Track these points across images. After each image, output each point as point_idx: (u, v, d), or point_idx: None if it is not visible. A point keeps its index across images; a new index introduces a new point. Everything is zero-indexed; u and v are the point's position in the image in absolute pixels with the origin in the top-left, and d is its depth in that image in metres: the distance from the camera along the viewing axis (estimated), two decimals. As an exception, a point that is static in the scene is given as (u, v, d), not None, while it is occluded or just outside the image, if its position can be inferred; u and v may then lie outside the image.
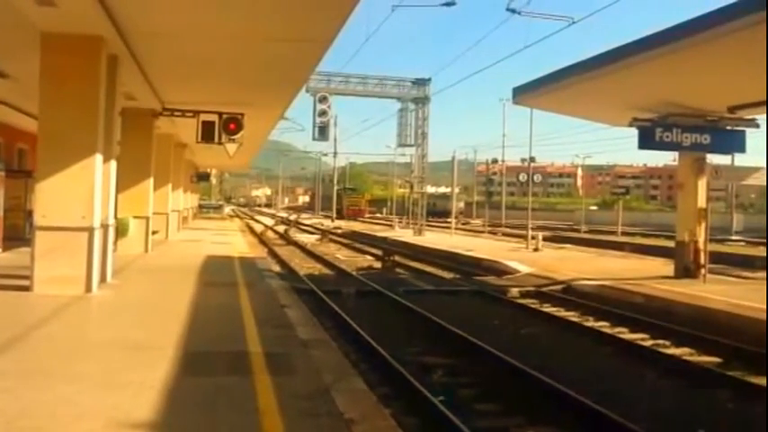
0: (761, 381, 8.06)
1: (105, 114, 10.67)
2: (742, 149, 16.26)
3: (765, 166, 17.25)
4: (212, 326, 8.51)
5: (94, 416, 4.75)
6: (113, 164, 11.96)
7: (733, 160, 28.59)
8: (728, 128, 15.75)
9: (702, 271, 15.79)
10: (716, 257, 18.39)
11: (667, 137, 15.33)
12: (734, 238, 37.66)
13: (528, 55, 22.27)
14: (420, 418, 6.56)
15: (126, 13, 9.49)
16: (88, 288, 10.16)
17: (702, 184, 16.19)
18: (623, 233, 39.75)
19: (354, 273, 19.55)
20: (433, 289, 16.22)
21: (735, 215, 48.12)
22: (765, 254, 16.59)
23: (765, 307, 11.32)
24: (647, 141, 15.53)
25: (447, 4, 21.30)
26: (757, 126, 15.89)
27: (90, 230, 10.16)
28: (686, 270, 16.10)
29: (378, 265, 23.16)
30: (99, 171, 10.41)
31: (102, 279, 11.19)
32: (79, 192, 10.11)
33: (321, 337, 8.16)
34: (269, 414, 4.94)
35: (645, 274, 17.15)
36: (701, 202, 16.22)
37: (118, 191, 14.00)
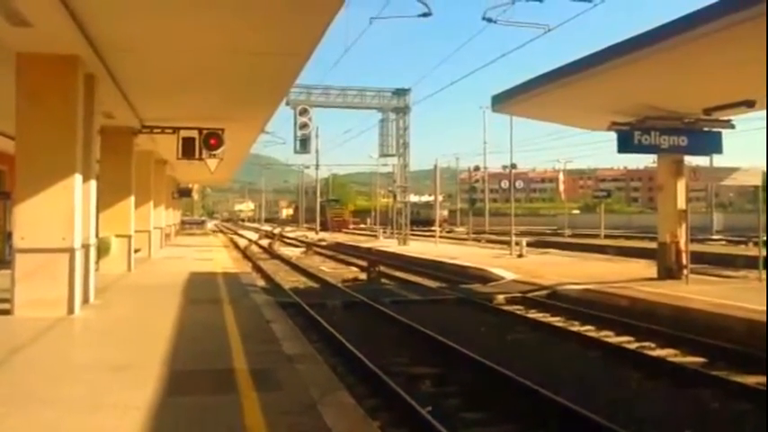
0: (745, 380, 8.14)
1: (84, 133, 10.61)
2: (719, 150, 16.46)
3: (741, 166, 17.45)
4: (197, 344, 8.44)
5: (79, 440, 4.69)
6: (93, 183, 11.87)
7: (711, 161, 28.99)
8: (705, 129, 15.95)
9: (685, 272, 15.92)
10: (697, 257, 18.55)
11: (646, 140, 15.49)
12: (714, 237, 38.04)
13: (505, 63, 22.45)
14: (408, 429, 6.54)
15: (102, 31, 9.44)
16: (70, 309, 10.05)
17: (681, 186, 16.35)
18: (606, 236, 40.02)
19: (340, 285, 19.50)
20: (419, 299, 16.22)
21: (714, 214, 48.63)
22: (757, 253, 16.71)
23: (753, 307, 11.46)
24: (626, 145, 15.68)
25: (423, 15, 21.35)
26: (732, 127, 16.08)
27: (71, 251, 10.07)
28: (669, 271, 16.23)
29: (363, 276, 23.12)
30: (79, 191, 10.33)
31: (85, 300, 11.08)
32: (59, 212, 10.03)
33: (307, 351, 8.12)
34: (256, 431, 4.90)
35: (628, 276, 17.26)
36: (681, 203, 16.38)
37: (99, 210, 13.90)
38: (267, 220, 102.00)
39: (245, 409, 5.44)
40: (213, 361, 7.28)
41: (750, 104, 14.23)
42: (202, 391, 6.02)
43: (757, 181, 16.75)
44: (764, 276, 14.87)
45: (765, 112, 15.13)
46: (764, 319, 10.45)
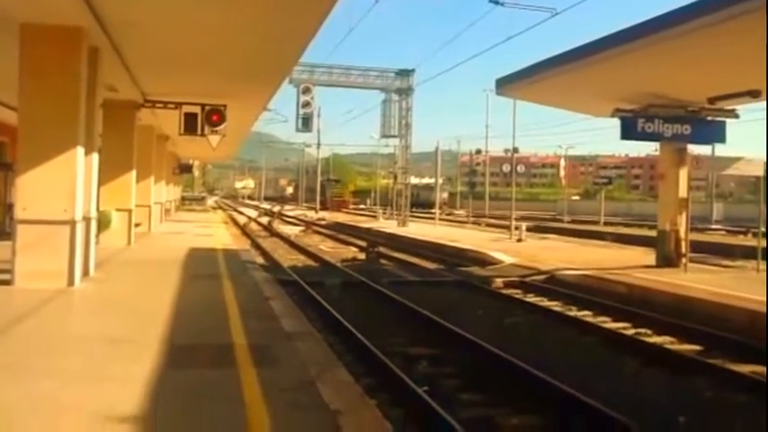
0: (740, 368, 8.20)
1: (87, 106, 10.58)
2: (722, 140, 16.42)
3: (745, 155, 17.43)
4: (196, 318, 8.49)
5: (78, 410, 4.73)
6: (95, 156, 11.86)
7: (713, 150, 28.92)
8: (709, 118, 15.90)
9: (683, 260, 15.96)
10: (696, 246, 18.58)
11: (649, 127, 15.45)
12: (714, 227, 38.07)
13: (511, 46, 22.32)
14: (405, 408, 6.60)
15: (107, 3, 9.37)
16: (70, 282, 10.09)
17: (683, 175, 16.34)
18: (605, 223, 40.04)
19: (339, 264, 19.55)
20: (418, 280, 16.27)
21: (714, 204, 48.64)
22: (755, 244, 16.76)
23: (750, 297, 11.51)
24: (629, 132, 15.63)
25: (430, -5, 21.23)
26: (737, 116, 16.04)
27: (72, 223, 10.09)
28: (667, 259, 16.27)
29: (362, 256, 23.18)
30: (81, 163, 10.33)
31: (85, 272, 11.11)
32: (61, 184, 10.03)
33: (306, 328, 8.17)
34: (254, 406, 4.95)
35: (627, 263, 17.30)
36: (682, 191, 16.38)
37: (100, 183, 13.88)
38: (267, 199, 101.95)
39: (243, 384, 5.48)
40: (213, 336, 7.32)
41: (755, 94, 14.17)
42: (202, 365, 6.06)
43: (759, 171, 16.74)
44: (763, 267, 14.93)
45: (766, 102, 15.06)
46: (763, 309, 10.51)
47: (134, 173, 18.34)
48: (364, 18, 25.21)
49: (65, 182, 10.06)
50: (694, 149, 17.20)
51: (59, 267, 9.99)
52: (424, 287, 15.16)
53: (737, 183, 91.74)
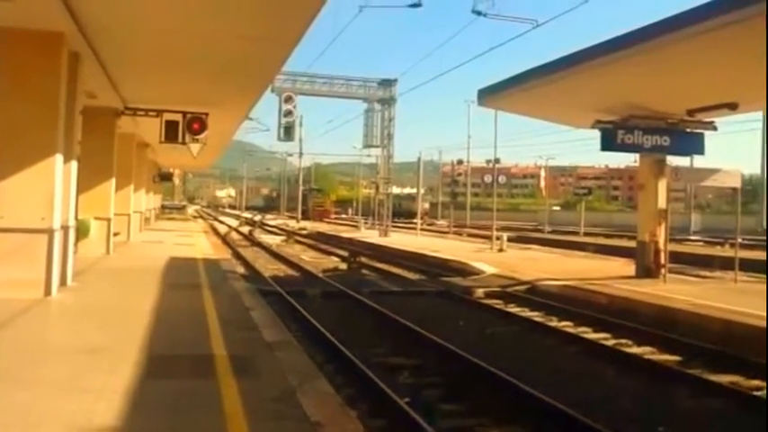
0: (719, 378, 8.26)
1: (66, 113, 10.46)
2: (701, 151, 16.61)
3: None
4: (176, 329, 8.40)
5: (54, 422, 4.65)
6: (74, 164, 11.72)
7: (692, 162, 29.23)
8: (687, 130, 16.08)
9: (663, 271, 16.09)
10: (675, 257, 18.74)
11: (629, 139, 15.59)
12: (692, 237, 38.45)
13: (493, 57, 22.46)
14: (386, 419, 6.56)
15: (88, 9, 9.29)
16: (48, 291, 9.94)
17: (663, 186, 16.49)
18: (586, 233, 40.31)
19: (320, 274, 19.48)
20: (399, 290, 16.25)
21: (693, 215, 49.16)
22: (732, 254, 16.95)
23: (728, 307, 11.62)
24: (609, 143, 15.76)
25: (413, 6, 21.33)
26: (715, 128, 16.24)
27: (50, 232, 9.94)
28: (647, 270, 16.39)
29: (343, 266, 23.12)
30: (59, 171, 10.20)
31: (63, 282, 10.96)
32: (39, 192, 9.88)
33: (286, 339, 8.10)
34: (234, 417, 4.89)
35: (607, 274, 17.41)
36: (662, 202, 16.53)
37: (79, 191, 13.72)
38: (249, 208, 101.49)
39: (223, 394, 5.42)
40: (192, 346, 7.24)
41: (733, 107, 14.39)
42: (181, 376, 5.98)
43: (736, 183, 16.94)
44: (740, 278, 15.09)
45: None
46: (740, 320, 10.63)
47: (113, 181, 18.14)
48: (347, 28, 25.30)
49: (43, 190, 9.92)
50: (673, 161, 17.38)
51: (36, 276, 9.83)
52: (405, 297, 15.13)
53: (715, 194, 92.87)
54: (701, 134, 16.19)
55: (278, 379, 6.01)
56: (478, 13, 19.90)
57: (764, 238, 33.23)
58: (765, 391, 7.65)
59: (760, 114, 41.81)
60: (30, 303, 9.32)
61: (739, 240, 16.64)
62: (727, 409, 7.20)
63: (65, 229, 10.91)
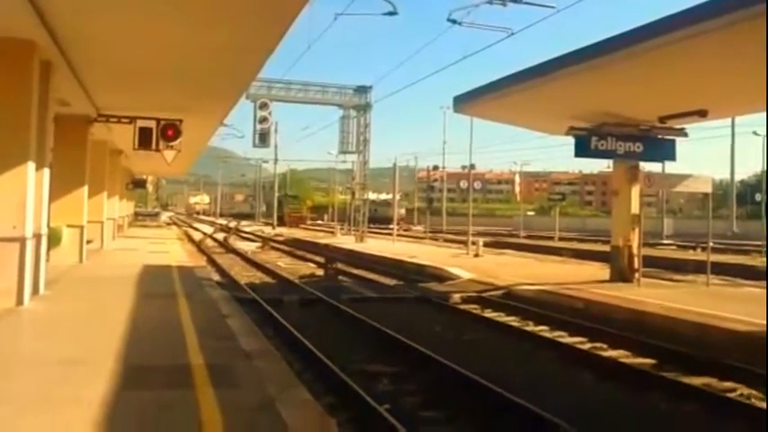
0: (692, 381, 8.37)
1: (38, 121, 10.33)
2: (672, 158, 16.87)
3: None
4: (151, 338, 8.31)
5: (29, 436, 4.57)
6: (46, 171, 11.55)
7: (663, 168, 29.68)
8: (659, 137, 16.33)
9: (637, 275, 16.29)
10: (649, 261, 18.99)
11: (602, 145, 15.78)
12: (665, 242, 38.97)
13: (468, 64, 22.60)
14: (367, 427, 6.55)
15: (59, 17, 9.20)
16: (19, 301, 9.80)
17: (636, 191, 16.72)
18: (560, 238, 40.69)
19: (297, 281, 19.40)
20: (377, 296, 16.24)
21: (665, 220, 49.85)
22: (704, 258, 17.20)
23: (701, 311, 11.80)
24: (583, 150, 15.94)
25: (389, 14, 21.40)
26: (686, 135, 16.53)
27: (22, 240, 9.81)
28: (621, 274, 16.58)
29: (320, 272, 23.06)
30: (31, 179, 10.07)
31: (35, 291, 10.80)
32: (10, 200, 9.75)
33: (264, 347, 8.06)
34: (212, 428, 4.85)
35: (582, 278, 17.56)
36: (635, 208, 16.76)
37: (51, 199, 13.52)
38: (223, 215, 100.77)
39: (201, 405, 5.37)
40: (168, 356, 7.16)
41: (702, 114, 14.64)
42: (157, 387, 5.91)
43: (707, 188, 17.23)
44: (712, 281, 15.31)
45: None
46: (713, 323, 10.80)
47: (86, 188, 17.93)
48: (323, 35, 25.35)
49: (14, 198, 9.78)
50: (646, 167, 17.63)
51: (8, 286, 9.69)
52: (383, 303, 15.13)
53: (687, 199, 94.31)
54: (673, 141, 16.46)
55: (256, 388, 5.97)
56: (454, 22, 20.01)
57: (734, 242, 33.85)
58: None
59: (729, 121, 42.62)
60: (1, 313, 9.17)
61: (711, 244, 16.90)
62: (701, 412, 7.30)
63: (37, 237, 10.76)
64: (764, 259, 22.75)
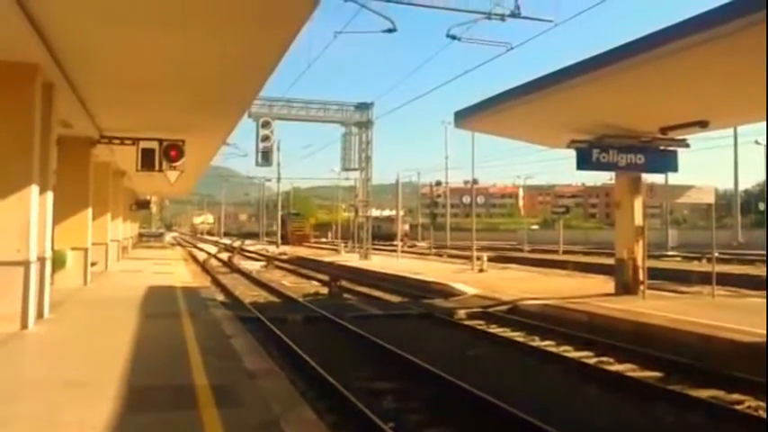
0: (699, 393, 8.31)
1: (41, 143, 10.39)
2: (674, 169, 16.84)
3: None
4: (156, 359, 8.29)
5: (33, 459, 4.56)
6: (50, 194, 11.61)
7: (667, 179, 29.65)
8: (661, 148, 16.33)
9: (642, 287, 16.23)
10: (654, 273, 18.93)
11: (604, 158, 15.77)
12: (670, 253, 38.84)
13: (469, 79, 22.69)
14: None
15: (63, 39, 9.29)
16: (24, 324, 9.80)
17: (639, 203, 16.70)
18: (564, 251, 40.57)
19: (301, 299, 19.37)
20: (381, 313, 16.19)
21: (669, 231, 49.69)
22: (710, 269, 17.14)
23: (707, 322, 11.73)
24: (585, 162, 15.93)
25: (388, 31, 21.49)
26: (687, 146, 16.50)
27: (26, 264, 9.82)
28: (626, 287, 16.52)
29: (324, 290, 23.01)
30: (35, 202, 10.10)
31: (39, 314, 10.80)
32: (14, 224, 9.78)
33: (268, 366, 8.05)
34: (217, 449, 4.84)
35: (586, 292, 17.50)
36: (638, 220, 16.73)
37: (55, 222, 13.59)
38: (227, 234, 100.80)
39: (205, 425, 5.36)
40: (173, 377, 7.15)
41: (703, 125, 14.65)
42: (162, 408, 5.90)
43: (710, 199, 17.20)
44: (718, 292, 15.24)
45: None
46: (719, 335, 10.74)
47: (90, 210, 17.98)
48: (323, 53, 25.49)
49: (18, 221, 9.82)
50: (648, 178, 17.61)
51: (12, 310, 9.69)
52: (387, 320, 15.09)
53: (690, 209, 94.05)
54: (675, 152, 16.44)
55: (261, 408, 5.96)
56: (453, 37, 20.13)
57: (739, 251, 33.72)
58: None
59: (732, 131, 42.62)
60: (6, 337, 9.17)
61: (716, 255, 16.85)
62: (709, 424, 7.24)
63: (41, 260, 10.78)
64: (770, 269, 22.64)
